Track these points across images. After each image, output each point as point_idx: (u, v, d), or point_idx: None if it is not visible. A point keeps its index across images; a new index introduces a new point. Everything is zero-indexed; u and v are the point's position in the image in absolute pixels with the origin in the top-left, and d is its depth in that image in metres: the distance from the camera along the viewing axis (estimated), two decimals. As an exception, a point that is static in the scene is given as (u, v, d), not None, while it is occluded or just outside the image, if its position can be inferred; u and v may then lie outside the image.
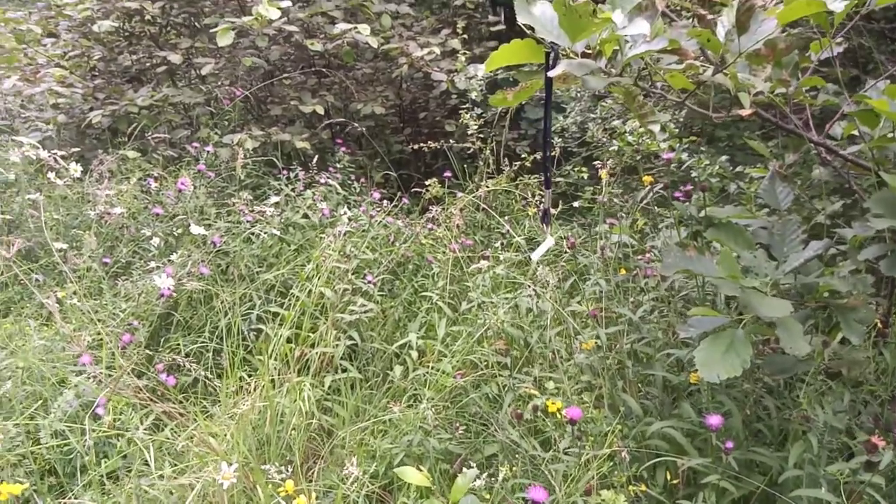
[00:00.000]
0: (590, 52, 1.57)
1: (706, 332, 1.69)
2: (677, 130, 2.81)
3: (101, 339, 2.48)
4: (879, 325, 1.83)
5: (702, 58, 1.73)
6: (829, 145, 1.98)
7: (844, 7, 1.62)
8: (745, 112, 1.72)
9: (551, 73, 1.46)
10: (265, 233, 3.30)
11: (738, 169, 2.88)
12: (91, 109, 4.45)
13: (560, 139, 3.97)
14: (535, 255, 1.72)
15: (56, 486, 2.11)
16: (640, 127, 2.37)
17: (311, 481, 2.17)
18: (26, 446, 2.06)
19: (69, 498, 1.98)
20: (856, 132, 1.94)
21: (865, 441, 1.51)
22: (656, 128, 1.50)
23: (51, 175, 3.64)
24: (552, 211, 3.33)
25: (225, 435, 2.20)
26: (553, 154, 3.95)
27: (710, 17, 1.69)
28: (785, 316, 1.56)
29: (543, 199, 1.78)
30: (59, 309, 2.62)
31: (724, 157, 2.81)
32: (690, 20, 1.89)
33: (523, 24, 1.52)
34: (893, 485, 1.59)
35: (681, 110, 3.13)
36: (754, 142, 2.28)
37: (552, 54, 1.50)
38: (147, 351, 2.71)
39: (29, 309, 2.98)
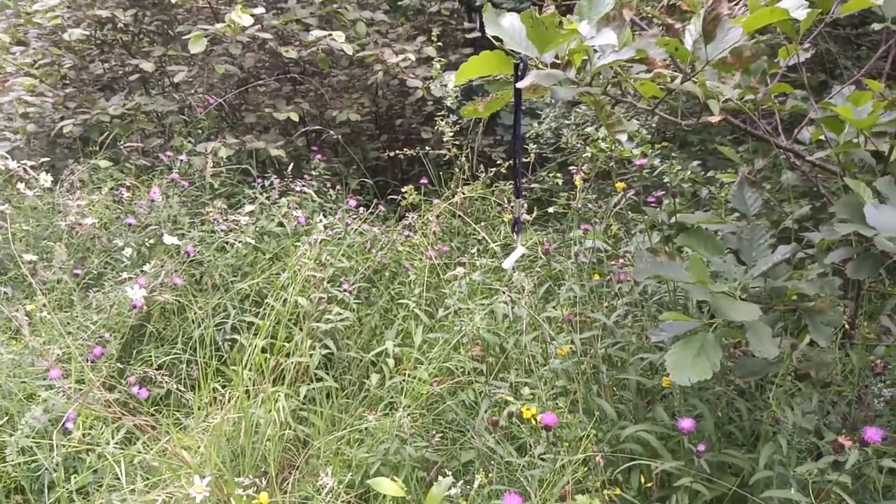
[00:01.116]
0: (559, 62, 1.58)
1: (677, 336, 1.71)
2: (650, 136, 2.84)
3: (71, 353, 2.44)
4: (846, 326, 1.86)
5: (671, 66, 1.75)
6: (797, 150, 2.02)
7: (808, 14, 1.65)
8: (715, 119, 1.74)
9: (520, 84, 1.46)
10: (239, 242, 3.28)
11: (710, 174, 2.92)
12: (62, 118, 4.38)
13: (535, 145, 3.99)
14: (507, 264, 1.72)
15: None
16: (609, 136, 2.39)
17: (286, 493, 2.15)
18: (-8, 463, 2.02)
19: (38, 515, 1.94)
20: (823, 137, 1.98)
21: (833, 441, 1.53)
22: (623, 137, 1.51)
23: (20, 185, 3.58)
24: (526, 217, 3.34)
25: (198, 447, 2.18)
26: (528, 160, 3.98)
27: (677, 26, 1.71)
28: (754, 319, 1.58)
29: (514, 208, 1.78)
30: (29, 322, 2.58)
31: (695, 162, 2.84)
32: (660, 29, 1.91)
33: (492, 37, 1.53)
34: (859, 483, 1.62)
35: (652, 117, 3.17)
36: (725, 147, 2.31)
37: (521, 65, 1.51)
38: (119, 364, 2.67)
39: (-3, 322, 2.92)
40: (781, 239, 1.96)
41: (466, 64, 1.53)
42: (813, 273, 1.85)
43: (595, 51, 1.58)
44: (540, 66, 1.54)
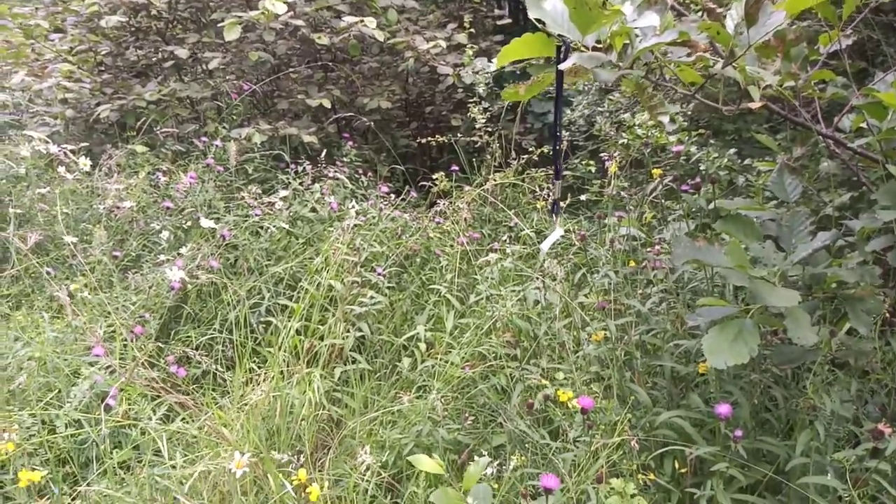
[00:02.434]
0: (600, 45, 1.58)
1: (714, 321, 1.70)
2: (685, 124, 2.82)
3: (114, 332, 2.51)
4: (887, 315, 1.84)
5: (711, 51, 1.74)
6: (838, 138, 1.99)
7: (850, -2, 1.63)
8: (755, 105, 1.73)
9: (562, 66, 1.47)
10: (274, 226, 3.32)
11: (746, 162, 2.89)
12: (99, 104, 4.47)
13: (567, 133, 3.98)
14: (545, 246, 1.74)
15: (70, 475, 2.14)
16: (650, 119, 2.38)
17: (321, 471, 2.19)
18: (42, 436, 2.08)
19: (83, 487, 2.00)
20: (864, 125, 1.95)
21: (872, 428, 1.52)
22: (666, 119, 1.51)
23: (61, 169, 3.66)
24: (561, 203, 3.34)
25: (235, 425, 2.23)
26: (561, 147, 3.97)
27: (719, 10, 1.70)
28: (793, 306, 1.57)
29: (553, 190, 1.79)
30: (71, 301, 2.65)
31: (731, 150, 2.82)
32: (700, 14, 1.90)
33: (534, 19, 1.53)
34: (900, 472, 1.61)
35: (689, 103, 3.14)
36: (762, 135, 2.29)
37: (563, 48, 1.51)
38: (157, 343, 2.73)
39: (40, 302, 3.01)
40: (820, 227, 1.94)
41: (508, 46, 1.54)
42: (853, 261, 1.83)
43: (636, 34, 1.58)
44: (582, 48, 1.55)
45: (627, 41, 1.57)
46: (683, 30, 1.52)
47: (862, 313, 1.68)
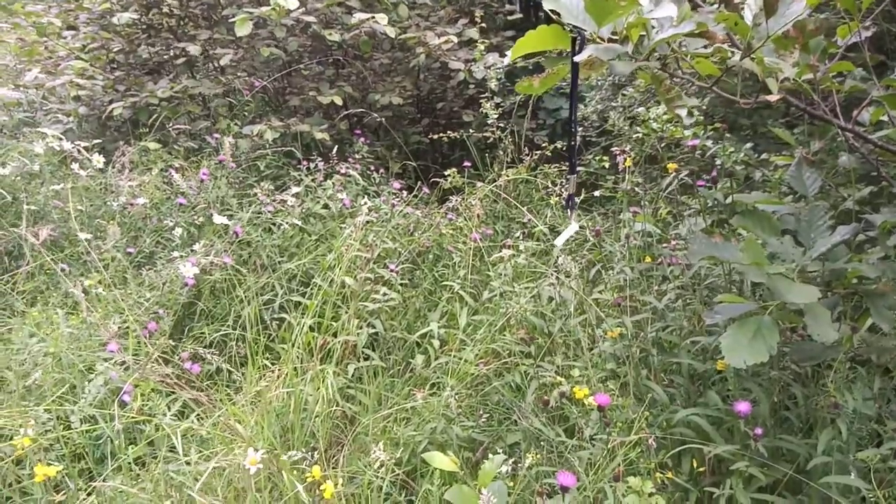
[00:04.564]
0: (616, 36, 1.56)
1: (732, 319, 1.68)
2: (701, 118, 2.79)
3: (128, 328, 2.51)
4: (910, 311, 1.81)
5: (728, 42, 1.72)
6: (858, 131, 1.96)
7: (874, -12, 1.60)
8: (773, 98, 1.70)
9: (578, 58, 1.45)
10: (286, 223, 3.32)
11: (763, 157, 2.85)
12: (111, 101, 4.48)
13: (580, 128, 3.95)
14: (559, 241, 1.72)
15: (85, 471, 2.14)
16: (666, 113, 2.34)
17: (335, 468, 2.19)
18: (57, 431, 2.09)
19: (98, 482, 2.01)
20: (884, 118, 1.92)
21: (896, 428, 1.50)
22: (683, 112, 1.49)
23: (74, 166, 3.67)
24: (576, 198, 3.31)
25: (249, 421, 2.22)
26: (576, 142, 3.94)
27: (736, 0, 1.67)
28: (812, 302, 1.55)
29: (568, 185, 1.77)
30: (85, 298, 2.65)
31: (748, 145, 2.78)
32: (717, 5, 1.87)
33: (549, 10, 1.51)
34: (925, 472, 1.58)
35: (704, 97, 3.10)
36: (779, 130, 2.26)
37: (578, 39, 1.49)
38: (171, 340, 2.74)
39: (55, 298, 3.02)
40: (840, 222, 1.91)
41: (523, 39, 1.52)
42: (874, 256, 1.80)
43: (653, 25, 1.56)
44: (597, 40, 1.52)
45: (644, 32, 1.55)
46: (701, 20, 1.49)
47: (884, 309, 1.65)
